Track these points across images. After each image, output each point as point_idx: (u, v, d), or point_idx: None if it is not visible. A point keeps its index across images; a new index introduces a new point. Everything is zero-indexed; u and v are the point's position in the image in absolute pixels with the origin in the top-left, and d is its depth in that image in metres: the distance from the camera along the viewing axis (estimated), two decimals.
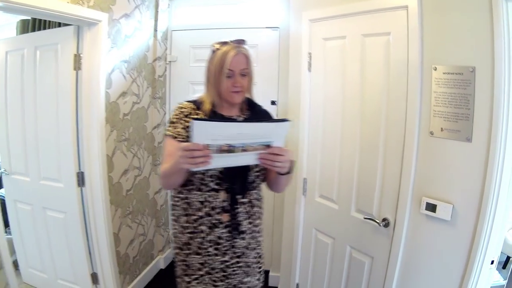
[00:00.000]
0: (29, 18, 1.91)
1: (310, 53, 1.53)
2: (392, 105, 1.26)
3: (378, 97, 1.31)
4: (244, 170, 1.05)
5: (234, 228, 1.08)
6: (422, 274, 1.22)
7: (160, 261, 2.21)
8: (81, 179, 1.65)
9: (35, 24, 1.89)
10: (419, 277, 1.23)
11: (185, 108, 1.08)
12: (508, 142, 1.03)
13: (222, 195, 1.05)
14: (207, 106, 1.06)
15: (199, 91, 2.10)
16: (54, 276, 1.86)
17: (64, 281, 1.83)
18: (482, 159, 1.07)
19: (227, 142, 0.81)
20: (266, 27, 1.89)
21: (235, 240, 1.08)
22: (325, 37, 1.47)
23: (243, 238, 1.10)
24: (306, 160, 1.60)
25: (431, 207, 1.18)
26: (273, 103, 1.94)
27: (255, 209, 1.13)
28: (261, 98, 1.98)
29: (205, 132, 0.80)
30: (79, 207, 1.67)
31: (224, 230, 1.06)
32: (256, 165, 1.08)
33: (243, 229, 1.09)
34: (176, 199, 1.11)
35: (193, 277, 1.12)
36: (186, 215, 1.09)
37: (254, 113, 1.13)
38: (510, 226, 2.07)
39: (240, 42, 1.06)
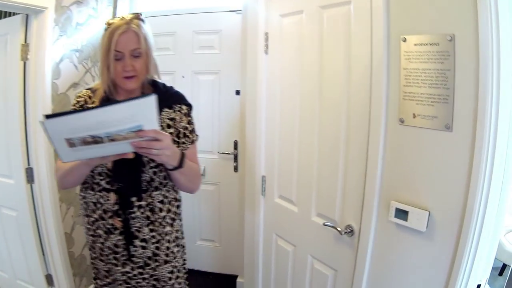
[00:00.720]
0: None
1: (267, 33, 1.27)
2: (354, 88, 0.99)
3: (338, 79, 1.03)
4: (135, 167, 0.84)
5: (129, 235, 0.87)
6: None
7: None
8: (30, 175, 1.49)
9: (1, 16, 1.78)
10: None
11: (82, 97, 0.93)
12: (499, 130, 0.75)
13: (113, 197, 0.86)
14: (99, 94, 0.90)
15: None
16: (13, 276, 1.71)
17: (22, 282, 1.67)
18: (466, 153, 0.79)
19: (89, 134, 0.67)
20: (230, 11, 1.65)
21: (135, 248, 0.90)
22: (282, 13, 1.21)
23: (144, 247, 0.89)
24: (264, 155, 1.34)
25: (402, 214, 0.90)
26: (238, 93, 1.70)
27: (160, 214, 0.91)
28: (225, 87, 1.78)
29: (58, 129, 0.67)
30: (30, 205, 1.50)
31: (120, 237, 0.89)
32: (152, 160, 0.85)
33: (144, 237, 0.89)
34: (79, 197, 0.96)
35: (103, 282, 0.96)
36: (86, 215, 0.94)
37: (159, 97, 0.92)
38: (506, 230, 1.71)
39: (135, 16, 0.85)
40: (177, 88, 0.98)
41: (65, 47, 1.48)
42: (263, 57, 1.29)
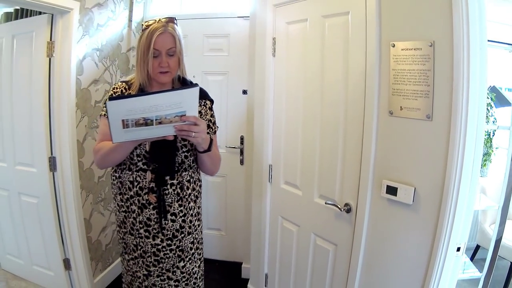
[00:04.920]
0: (12, 10, 1.89)
1: (274, 38, 1.44)
2: (351, 86, 1.16)
3: (337, 78, 1.20)
4: (170, 150, 0.98)
5: (162, 210, 1.00)
6: (387, 261, 1.08)
7: None
8: (53, 164, 1.59)
9: (17, 15, 1.87)
10: (383, 264, 1.09)
11: (117, 88, 1.05)
12: (469, 119, 0.91)
13: (149, 176, 0.98)
14: (136, 86, 1.00)
15: None
16: (29, 262, 1.78)
17: (38, 267, 1.75)
18: (443, 138, 0.95)
19: (142, 116, 0.79)
20: (238, 17, 1.81)
21: (164, 222, 1.02)
22: (288, 21, 1.38)
23: (174, 221, 1.03)
24: (271, 146, 1.49)
25: (392, 191, 1.05)
26: (244, 92, 1.85)
27: (187, 191, 1.05)
28: (232, 87, 1.93)
29: (119, 110, 0.78)
30: (51, 192, 1.60)
31: (153, 212, 1.02)
32: (184, 145, 1.01)
33: (174, 211, 1.02)
34: (113, 177, 1.07)
35: (130, 256, 1.07)
36: (120, 194, 1.05)
37: None
38: (491, 221, 1.91)
39: (170, 20, 0.98)
40: None
41: (87, 46, 1.60)
42: (270, 59, 1.45)
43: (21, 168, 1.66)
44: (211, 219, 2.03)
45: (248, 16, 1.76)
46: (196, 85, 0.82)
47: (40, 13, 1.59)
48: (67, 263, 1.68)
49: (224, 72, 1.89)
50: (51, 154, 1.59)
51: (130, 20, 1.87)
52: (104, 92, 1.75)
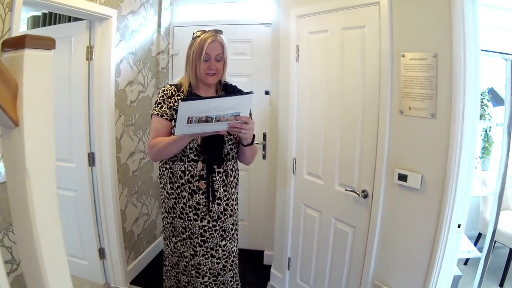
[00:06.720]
0: (39, 14, 2.08)
1: (297, 46, 1.70)
2: (367, 89, 1.42)
3: (355, 82, 1.47)
4: (219, 143, 1.20)
5: (211, 194, 1.21)
6: (399, 238, 1.34)
7: (161, 242, 2.33)
8: (91, 159, 1.81)
9: (46, 20, 2.06)
10: (396, 241, 1.35)
11: (167, 90, 1.23)
12: (465, 117, 1.17)
13: (200, 165, 1.20)
14: (185, 88, 1.21)
15: None
16: None
17: (73, 257, 1.96)
18: (445, 132, 1.19)
19: (205, 114, 0.99)
20: (260, 24, 2.07)
21: (211, 205, 1.22)
22: (310, 31, 1.64)
23: (219, 204, 1.24)
24: (295, 141, 1.75)
25: (403, 177, 1.32)
26: (266, 92, 2.11)
27: (231, 178, 1.27)
28: (255, 88, 2.18)
29: (189, 109, 0.97)
30: (89, 185, 1.82)
31: (202, 196, 1.22)
32: (230, 139, 1.24)
33: (220, 195, 1.24)
34: (163, 169, 1.27)
35: (178, 238, 1.26)
36: (171, 182, 1.24)
37: (229, 92, 1.29)
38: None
39: (217, 31, 1.21)
40: None
41: (124, 50, 1.83)
42: (294, 64, 1.71)
43: (59, 164, 1.87)
44: None
45: (270, 23, 2.02)
46: (251, 92, 1.05)
47: (69, 18, 1.78)
48: (102, 253, 1.89)
49: (248, 74, 2.15)
50: (90, 150, 1.80)
51: (159, 26, 2.11)
52: (138, 92, 1.97)
